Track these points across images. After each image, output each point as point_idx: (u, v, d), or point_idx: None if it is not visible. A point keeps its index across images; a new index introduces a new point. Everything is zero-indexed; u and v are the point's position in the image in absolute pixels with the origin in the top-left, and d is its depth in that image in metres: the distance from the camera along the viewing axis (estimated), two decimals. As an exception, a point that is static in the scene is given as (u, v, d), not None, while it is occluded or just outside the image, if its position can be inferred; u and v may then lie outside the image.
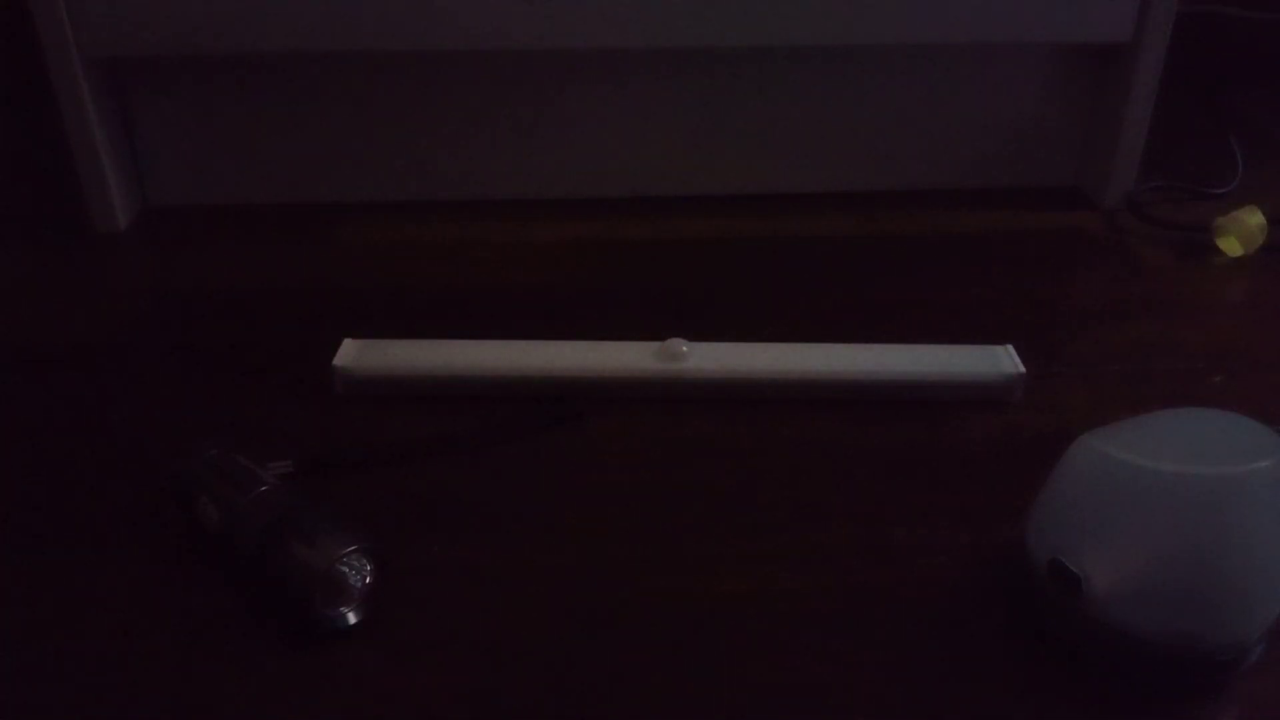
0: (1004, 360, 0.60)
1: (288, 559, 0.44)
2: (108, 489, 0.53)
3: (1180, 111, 0.87)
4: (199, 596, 0.46)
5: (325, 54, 0.76)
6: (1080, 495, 0.44)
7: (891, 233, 0.79)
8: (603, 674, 0.43)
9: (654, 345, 0.61)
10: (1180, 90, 0.83)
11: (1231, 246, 0.76)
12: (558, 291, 0.71)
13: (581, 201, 0.83)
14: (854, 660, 0.44)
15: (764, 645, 0.44)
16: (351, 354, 0.60)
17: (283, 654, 0.44)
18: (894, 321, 0.68)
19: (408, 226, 0.80)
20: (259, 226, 0.80)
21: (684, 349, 0.60)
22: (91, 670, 0.43)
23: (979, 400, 0.59)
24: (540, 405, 0.58)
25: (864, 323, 0.67)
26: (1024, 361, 0.60)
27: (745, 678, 0.43)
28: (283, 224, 0.80)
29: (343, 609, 0.45)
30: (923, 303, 0.70)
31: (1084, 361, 0.64)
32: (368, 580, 0.45)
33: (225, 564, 0.48)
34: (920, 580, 0.47)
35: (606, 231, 0.79)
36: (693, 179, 0.84)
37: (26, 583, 0.47)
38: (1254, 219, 0.76)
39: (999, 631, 0.45)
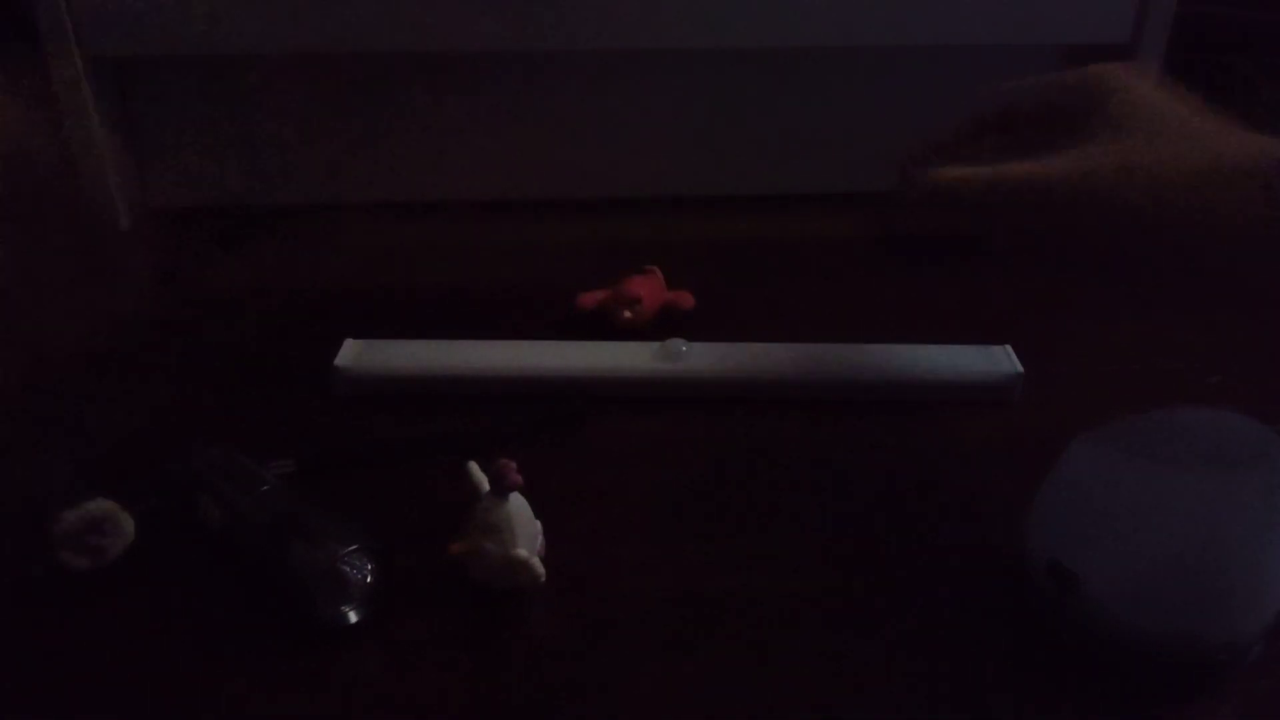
0: (1003, 360, 0.60)
1: (290, 558, 0.44)
2: (107, 489, 0.53)
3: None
4: (201, 596, 0.46)
5: (325, 55, 0.76)
6: (1079, 495, 0.44)
7: (891, 233, 0.79)
8: (603, 674, 0.43)
9: (654, 345, 0.61)
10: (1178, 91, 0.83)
11: (1231, 247, 0.76)
12: (558, 291, 0.71)
13: (581, 201, 0.83)
14: (854, 660, 0.44)
15: (764, 645, 0.44)
16: (352, 354, 0.60)
17: (283, 653, 0.44)
18: (894, 321, 0.68)
19: (408, 226, 0.80)
20: (260, 227, 0.80)
21: (684, 349, 0.60)
22: (93, 668, 0.43)
23: (978, 400, 0.59)
24: (540, 405, 0.58)
25: (864, 323, 0.67)
26: (1023, 361, 0.60)
27: (745, 677, 0.43)
28: (283, 224, 0.80)
29: (344, 608, 0.45)
30: (923, 303, 0.70)
31: (1083, 361, 0.64)
32: (369, 579, 0.45)
33: (227, 563, 0.48)
34: (920, 580, 0.48)
35: (606, 231, 0.79)
36: (693, 179, 0.84)
37: (26, 581, 0.47)
38: (1253, 219, 0.76)
39: (998, 631, 0.45)
